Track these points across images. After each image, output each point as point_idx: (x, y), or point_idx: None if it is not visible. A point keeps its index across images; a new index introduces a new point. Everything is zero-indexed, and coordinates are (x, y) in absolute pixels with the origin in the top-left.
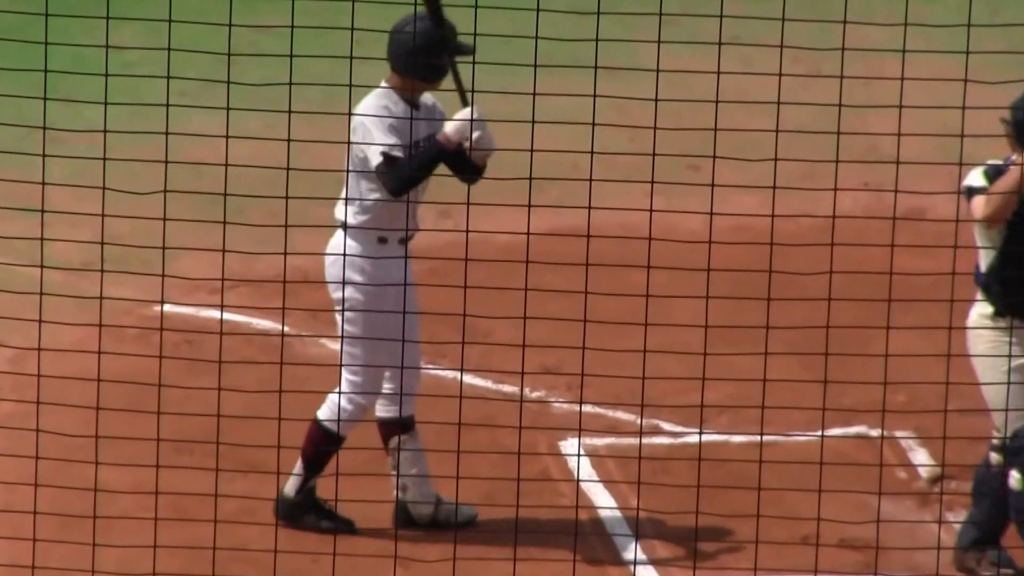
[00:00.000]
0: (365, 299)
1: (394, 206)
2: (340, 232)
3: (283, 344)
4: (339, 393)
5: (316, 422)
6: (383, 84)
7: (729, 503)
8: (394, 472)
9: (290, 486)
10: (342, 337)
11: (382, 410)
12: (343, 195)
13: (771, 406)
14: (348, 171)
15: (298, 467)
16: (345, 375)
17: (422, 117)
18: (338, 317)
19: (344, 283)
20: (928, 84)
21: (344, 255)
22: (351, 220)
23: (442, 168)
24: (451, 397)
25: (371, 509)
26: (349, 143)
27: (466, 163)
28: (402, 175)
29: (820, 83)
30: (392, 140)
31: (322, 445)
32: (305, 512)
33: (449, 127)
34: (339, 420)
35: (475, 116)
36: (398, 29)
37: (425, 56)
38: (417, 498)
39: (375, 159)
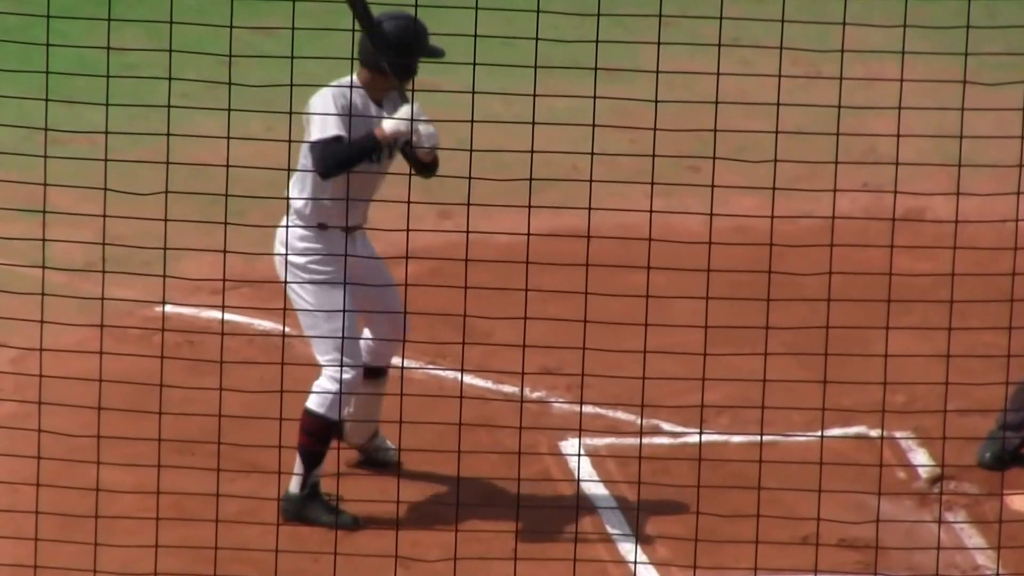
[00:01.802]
0: (306, 281)
1: (337, 195)
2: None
3: (284, 345)
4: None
5: (307, 412)
6: (352, 79)
7: (729, 503)
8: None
9: (294, 484)
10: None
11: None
12: (293, 182)
13: (771, 406)
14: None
15: (297, 465)
16: (320, 360)
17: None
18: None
19: (287, 279)
20: (927, 85)
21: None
22: (298, 206)
23: (442, 169)
24: (452, 397)
25: (372, 509)
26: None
27: (416, 160)
28: (334, 157)
29: (819, 84)
30: (338, 126)
31: (319, 433)
32: (310, 507)
33: (387, 124)
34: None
35: (416, 114)
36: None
37: (394, 54)
38: (358, 426)
39: (316, 135)
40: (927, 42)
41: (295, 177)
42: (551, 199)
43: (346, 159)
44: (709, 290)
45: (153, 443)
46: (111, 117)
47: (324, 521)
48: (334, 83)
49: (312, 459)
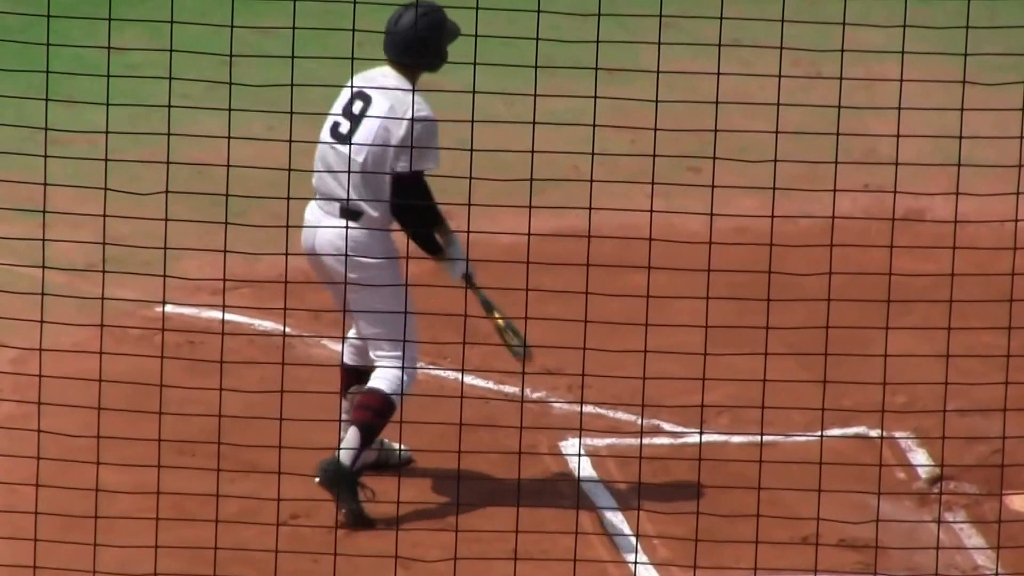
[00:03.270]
0: (379, 273)
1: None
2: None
3: (284, 345)
4: (402, 368)
5: (379, 393)
6: (407, 85)
7: (729, 503)
8: (345, 417)
9: (346, 457)
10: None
11: (350, 358)
12: (356, 182)
13: (771, 407)
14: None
15: (354, 439)
16: (393, 350)
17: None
18: (354, 295)
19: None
20: (927, 86)
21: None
22: (370, 209)
23: (442, 169)
24: (452, 398)
25: (372, 509)
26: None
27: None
28: (418, 207)
29: (819, 85)
30: (433, 159)
31: (385, 415)
32: (347, 486)
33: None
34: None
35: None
36: (403, 26)
37: (429, 45)
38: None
39: (417, 165)
40: (927, 43)
41: (361, 180)
42: (552, 199)
43: (425, 223)
44: (709, 290)
45: (153, 443)
46: (111, 117)
47: (348, 506)
48: (421, 102)
49: (370, 438)
